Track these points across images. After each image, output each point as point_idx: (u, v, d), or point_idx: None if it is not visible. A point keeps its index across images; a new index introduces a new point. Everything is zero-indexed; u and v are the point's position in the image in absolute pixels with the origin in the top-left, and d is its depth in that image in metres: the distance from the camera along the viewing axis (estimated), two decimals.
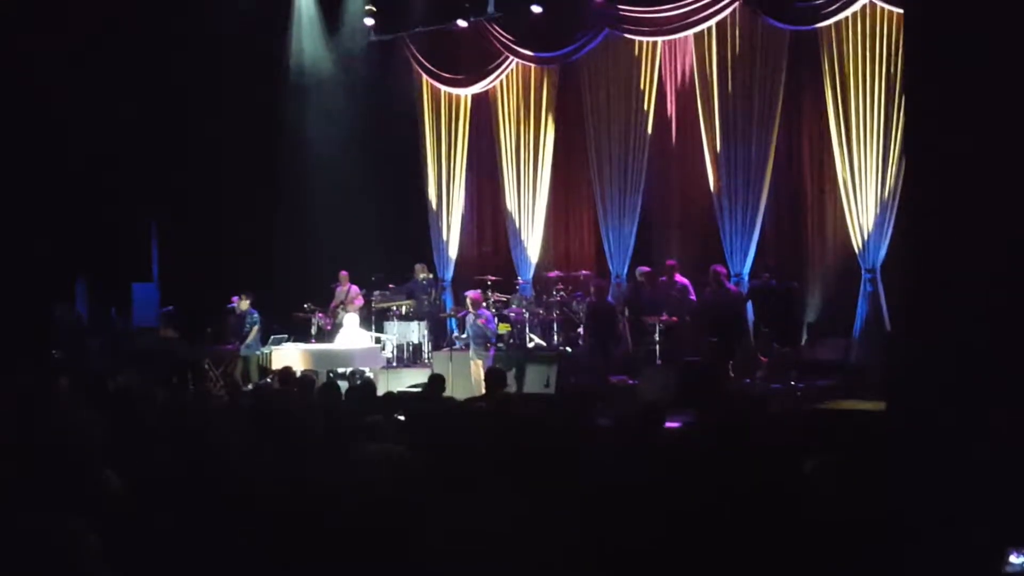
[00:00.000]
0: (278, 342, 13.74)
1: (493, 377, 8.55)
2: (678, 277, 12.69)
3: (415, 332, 14.61)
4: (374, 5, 15.30)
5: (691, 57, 13.54)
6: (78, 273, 14.27)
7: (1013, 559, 2.90)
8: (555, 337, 13.55)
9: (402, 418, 6.12)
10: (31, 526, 2.01)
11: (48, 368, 11.54)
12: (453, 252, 15.88)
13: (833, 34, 12.21)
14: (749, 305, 12.38)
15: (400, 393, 10.03)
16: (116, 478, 2.60)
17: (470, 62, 15.27)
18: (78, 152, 13.28)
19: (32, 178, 13.04)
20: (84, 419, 3.66)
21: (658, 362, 12.25)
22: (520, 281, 14.83)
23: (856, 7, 11.89)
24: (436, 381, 8.54)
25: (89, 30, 12.93)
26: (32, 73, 12.54)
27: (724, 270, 12.28)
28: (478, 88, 15.40)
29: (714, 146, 13.18)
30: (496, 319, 13.29)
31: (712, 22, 12.97)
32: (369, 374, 12.78)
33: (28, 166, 13.03)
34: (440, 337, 14.88)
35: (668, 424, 5.50)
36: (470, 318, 12.89)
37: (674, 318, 12.36)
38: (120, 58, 13.40)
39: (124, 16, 13.30)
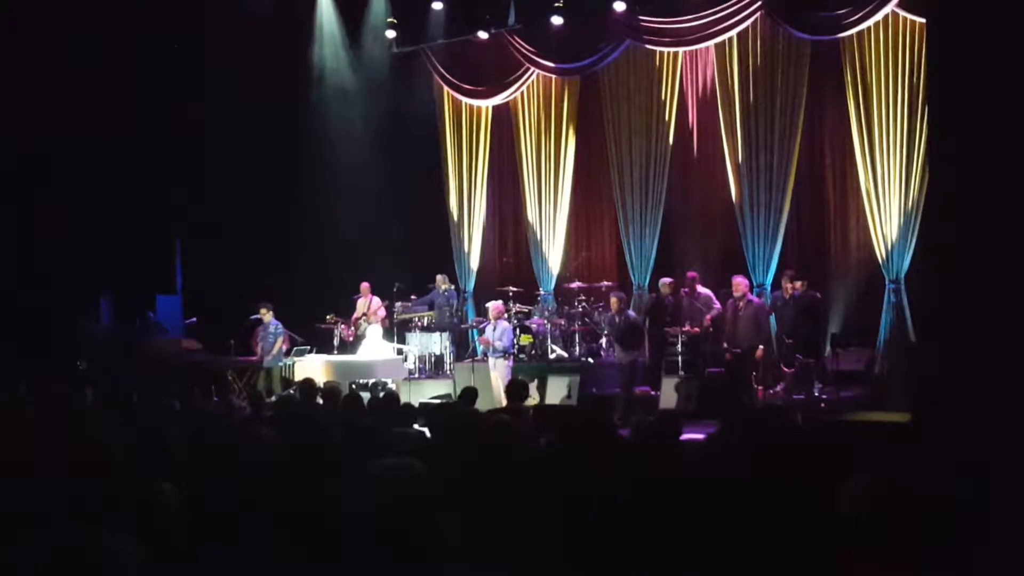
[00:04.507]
0: (301, 353, 13.80)
1: (514, 388, 8.55)
2: (699, 288, 12.65)
3: (437, 343, 14.63)
4: (395, 17, 15.40)
5: (712, 68, 13.52)
6: (103, 286, 14.36)
7: None
8: (577, 348, 13.53)
9: (425, 430, 6.12)
10: (67, 542, 1.97)
11: (73, 380, 11.60)
12: (474, 263, 15.91)
13: (855, 44, 12.16)
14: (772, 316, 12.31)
15: (422, 404, 10.05)
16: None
17: (491, 74, 15.32)
18: (101, 165, 13.37)
19: (56, 192, 13.15)
20: (108, 430, 3.69)
21: (680, 373, 12.21)
22: (541, 292, 14.84)
23: (879, 17, 11.84)
24: (468, 394, 8.45)
25: (115, 40, 13.03)
26: (59, 92, 12.65)
27: (747, 281, 12.22)
28: (499, 99, 15.44)
29: (736, 156, 13.14)
30: (516, 330, 13.29)
31: (733, 32, 12.95)
32: (391, 385, 12.79)
33: (52, 180, 13.14)
34: (462, 348, 14.90)
35: (690, 436, 5.49)
36: (489, 328, 12.91)
37: (695, 329, 12.31)
38: (143, 69, 13.49)
39: (147, 26, 13.40)
